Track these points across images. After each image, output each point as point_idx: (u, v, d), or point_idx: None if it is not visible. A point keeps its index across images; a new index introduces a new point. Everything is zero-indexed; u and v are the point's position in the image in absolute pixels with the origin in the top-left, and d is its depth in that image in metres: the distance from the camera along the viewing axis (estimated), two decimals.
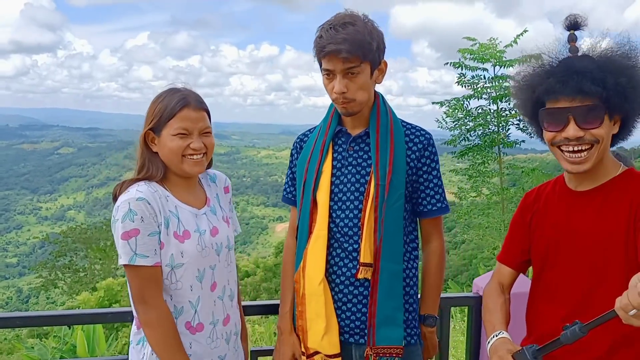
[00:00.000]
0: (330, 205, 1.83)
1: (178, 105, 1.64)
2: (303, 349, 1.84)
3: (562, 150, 1.50)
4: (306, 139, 1.98)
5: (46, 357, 4.22)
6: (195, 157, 1.66)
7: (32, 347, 4.48)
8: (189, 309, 1.65)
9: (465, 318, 2.55)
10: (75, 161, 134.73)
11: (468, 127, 12.30)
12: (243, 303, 2.00)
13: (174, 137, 1.63)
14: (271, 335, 6.63)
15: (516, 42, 11.73)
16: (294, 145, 2.02)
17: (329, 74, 1.73)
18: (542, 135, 1.58)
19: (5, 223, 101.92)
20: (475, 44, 12.01)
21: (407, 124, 1.90)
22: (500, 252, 1.81)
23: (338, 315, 1.81)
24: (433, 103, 12.71)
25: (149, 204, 1.59)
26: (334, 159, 1.87)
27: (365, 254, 1.76)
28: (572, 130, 1.44)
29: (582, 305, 1.51)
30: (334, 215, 1.82)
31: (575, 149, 1.46)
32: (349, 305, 1.80)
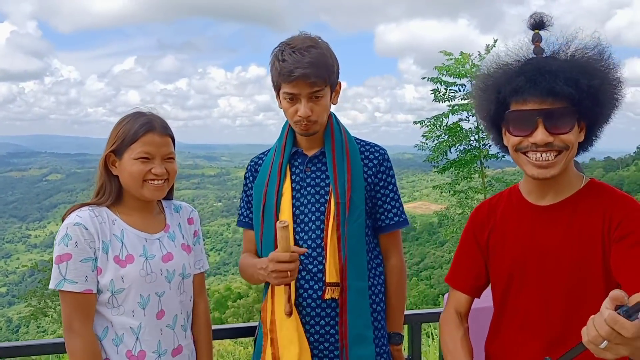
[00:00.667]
0: (292, 228, 1.81)
1: (142, 129, 1.63)
2: None
3: (527, 157, 1.39)
4: (260, 162, 1.96)
5: None
6: (156, 182, 1.64)
7: None
8: (130, 335, 1.61)
9: None
10: (64, 187, 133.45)
11: (448, 143, 12.44)
12: (216, 327, 1.95)
13: (135, 161, 1.62)
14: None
15: (483, 55, 11.95)
16: (247, 168, 2.00)
17: (292, 98, 1.73)
18: (502, 142, 1.49)
19: None
20: (452, 58, 12.23)
21: (361, 141, 1.92)
22: (448, 273, 1.69)
23: (307, 339, 1.78)
24: (414, 123, 12.87)
25: (86, 229, 1.57)
26: (292, 180, 1.85)
27: (331, 274, 1.75)
28: (540, 134, 1.34)
29: (561, 333, 1.39)
30: (297, 237, 1.81)
31: (543, 155, 1.36)
32: (317, 327, 1.78)
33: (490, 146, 12.37)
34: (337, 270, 1.76)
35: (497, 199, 1.61)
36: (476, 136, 12.51)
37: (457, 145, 12.55)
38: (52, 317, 28.38)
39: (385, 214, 1.88)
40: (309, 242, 1.80)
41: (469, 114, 12.33)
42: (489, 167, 12.93)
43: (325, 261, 1.76)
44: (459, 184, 12.69)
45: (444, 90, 12.40)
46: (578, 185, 1.46)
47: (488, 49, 12.02)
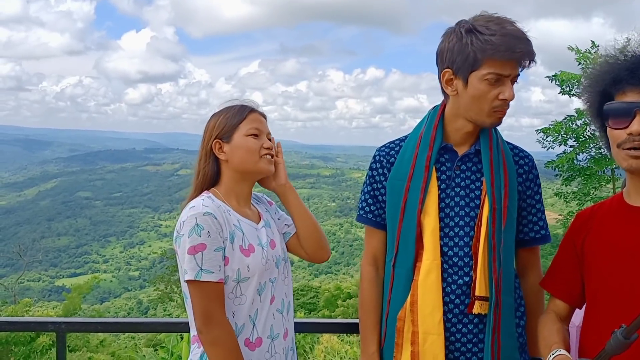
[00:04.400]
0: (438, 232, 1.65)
1: (246, 109, 1.71)
2: None
3: (625, 151, 1.34)
4: (393, 152, 1.76)
5: None
6: (268, 156, 1.71)
7: (144, 356, 4.80)
8: (248, 324, 1.64)
9: None
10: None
11: (576, 150, 11.58)
12: (336, 320, 1.99)
13: (248, 138, 1.68)
14: None
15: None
16: (376, 159, 1.78)
17: (497, 79, 1.54)
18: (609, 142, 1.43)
19: (130, 239, 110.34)
20: (580, 53, 11.45)
21: (510, 143, 1.74)
22: (544, 277, 1.62)
23: (446, 355, 1.63)
24: (537, 131, 12.17)
25: (216, 219, 1.58)
26: (438, 178, 1.67)
27: (481, 287, 1.60)
28: (636, 125, 1.30)
29: None
30: (441, 243, 1.64)
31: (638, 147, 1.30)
32: (458, 344, 1.63)
33: None
34: (487, 283, 1.61)
35: (600, 205, 1.56)
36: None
37: (585, 151, 11.67)
38: (176, 302, 30.57)
39: (530, 226, 1.73)
40: (456, 250, 1.64)
41: None
42: (621, 175, 11.85)
43: (475, 272, 1.61)
44: (589, 194, 11.75)
45: (574, 85, 11.67)
46: None
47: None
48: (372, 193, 1.79)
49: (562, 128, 11.73)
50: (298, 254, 1.86)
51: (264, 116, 1.75)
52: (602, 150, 11.81)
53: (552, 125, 11.95)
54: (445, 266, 1.64)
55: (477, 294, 1.60)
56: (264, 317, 1.66)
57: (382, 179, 1.75)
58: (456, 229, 1.64)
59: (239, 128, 1.68)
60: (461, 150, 1.68)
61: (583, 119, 11.63)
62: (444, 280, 1.63)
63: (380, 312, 1.77)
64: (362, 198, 1.82)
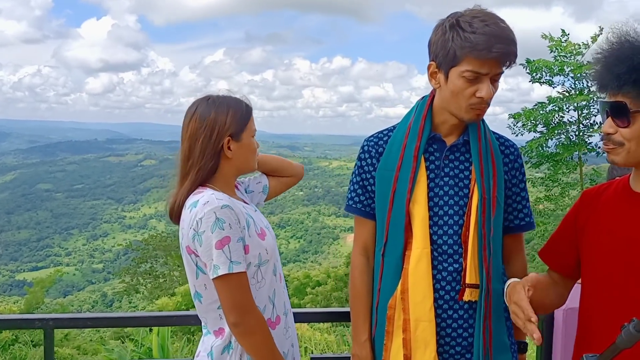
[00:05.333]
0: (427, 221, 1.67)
1: (249, 109, 1.72)
2: None
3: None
4: (381, 142, 1.77)
5: (124, 358, 4.44)
6: (258, 155, 1.78)
7: (113, 349, 4.72)
8: (268, 305, 1.67)
9: None
10: (157, 173, 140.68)
11: (546, 136, 11.85)
12: (312, 309, 2.03)
13: (252, 139, 1.73)
14: (339, 344, 6.59)
15: (587, 46, 11.25)
16: (365, 149, 1.79)
17: (475, 77, 1.54)
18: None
19: (93, 231, 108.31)
20: (553, 41, 11.66)
21: (496, 133, 1.78)
22: (542, 249, 1.64)
23: (437, 341, 1.65)
24: (509, 116, 12.40)
25: (232, 210, 1.59)
26: (426, 168, 1.70)
27: (471, 275, 1.63)
28: (606, 126, 1.35)
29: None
30: (431, 231, 1.67)
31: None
32: (449, 330, 1.66)
33: (590, 138, 11.74)
34: (477, 271, 1.64)
35: (607, 185, 1.55)
36: (576, 128, 11.82)
37: (554, 138, 11.95)
38: (142, 293, 30.25)
39: (515, 213, 1.76)
40: (445, 238, 1.67)
41: (569, 105, 11.69)
42: (586, 161, 12.20)
43: (465, 260, 1.64)
44: (557, 180, 12.05)
45: (546, 73, 11.88)
46: None
47: (594, 39, 11.39)
48: (361, 183, 1.80)
49: (532, 114, 11.95)
50: (286, 184, 1.98)
51: None
52: (571, 136, 12.12)
53: (523, 111, 12.19)
54: (435, 254, 1.66)
55: (467, 281, 1.63)
56: (279, 295, 1.72)
57: (371, 169, 1.77)
58: (445, 218, 1.67)
59: (247, 128, 1.70)
60: (449, 141, 1.71)
61: (553, 106, 11.87)
62: (434, 267, 1.66)
63: (372, 301, 1.78)
64: (351, 188, 1.83)
